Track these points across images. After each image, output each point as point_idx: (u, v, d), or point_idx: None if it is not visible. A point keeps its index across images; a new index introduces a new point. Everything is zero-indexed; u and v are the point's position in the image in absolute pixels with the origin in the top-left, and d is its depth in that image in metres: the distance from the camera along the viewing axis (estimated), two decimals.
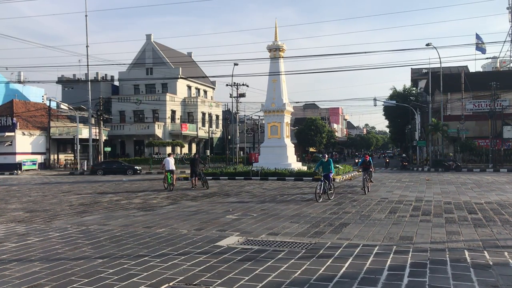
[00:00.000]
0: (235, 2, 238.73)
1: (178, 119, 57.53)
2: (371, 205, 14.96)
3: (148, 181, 28.54)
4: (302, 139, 72.86)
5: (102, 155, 43.20)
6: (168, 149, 52.47)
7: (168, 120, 55.21)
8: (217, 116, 66.00)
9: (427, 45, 40.04)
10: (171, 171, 21.97)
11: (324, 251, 8.23)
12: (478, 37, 48.54)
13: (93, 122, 45.06)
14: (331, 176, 16.95)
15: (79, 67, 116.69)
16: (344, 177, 28.08)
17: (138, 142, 55.30)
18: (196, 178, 22.91)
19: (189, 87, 62.57)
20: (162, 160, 29.14)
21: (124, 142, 56.25)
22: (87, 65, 46.73)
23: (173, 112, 57.02)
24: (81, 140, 46.26)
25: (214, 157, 51.88)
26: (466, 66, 57.45)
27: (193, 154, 34.56)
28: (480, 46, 47.69)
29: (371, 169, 20.39)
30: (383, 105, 57.08)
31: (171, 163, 22.22)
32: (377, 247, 8.50)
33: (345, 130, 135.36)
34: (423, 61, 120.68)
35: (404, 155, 58.55)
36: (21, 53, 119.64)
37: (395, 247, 8.48)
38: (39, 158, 46.34)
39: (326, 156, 17.74)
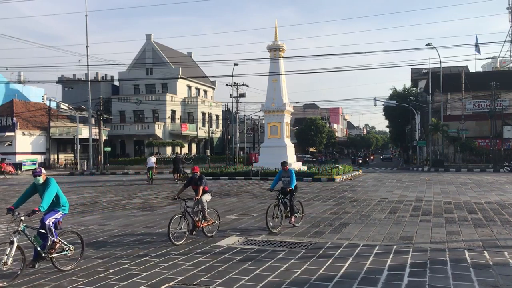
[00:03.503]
0: (235, 2, 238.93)
1: (178, 119, 57.50)
2: (371, 205, 14.96)
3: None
4: (302, 139, 72.89)
5: (102, 155, 43.14)
6: (168, 149, 52.52)
7: (168, 120, 55.18)
8: (217, 116, 65.96)
9: (427, 45, 40.03)
10: (152, 168, 26.02)
11: (324, 251, 8.24)
12: (476, 39, 48.93)
13: (93, 122, 45.01)
14: None
15: (79, 67, 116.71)
16: (344, 177, 28.08)
17: (138, 142, 55.25)
18: (178, 174, 26.61)
19: (189, 87, 62.54)
20: (162, 160, 33.37)
21: (124, 142, 56.21)
22: (87, 65, 46.76)
23: (173, 112, 56.98)
24: (81, 140, 46.25)
25: (214, 157, 51.81)
26: (466, 66, 57.31)
27: (176, 154, 36.95)
28: (477, 47, 47.90)
29: (200, 195, 10.06)
30: (383, 105, 57.05)
31: (152, 161, 26.42)
32: (377, 247, 8.50)
33: (345, 130, 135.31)
34: (423, 61, 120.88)
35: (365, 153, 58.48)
36: (21, 53, 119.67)
37: (395, 247, 8.48)
38: (39, 158, 46.26)
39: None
